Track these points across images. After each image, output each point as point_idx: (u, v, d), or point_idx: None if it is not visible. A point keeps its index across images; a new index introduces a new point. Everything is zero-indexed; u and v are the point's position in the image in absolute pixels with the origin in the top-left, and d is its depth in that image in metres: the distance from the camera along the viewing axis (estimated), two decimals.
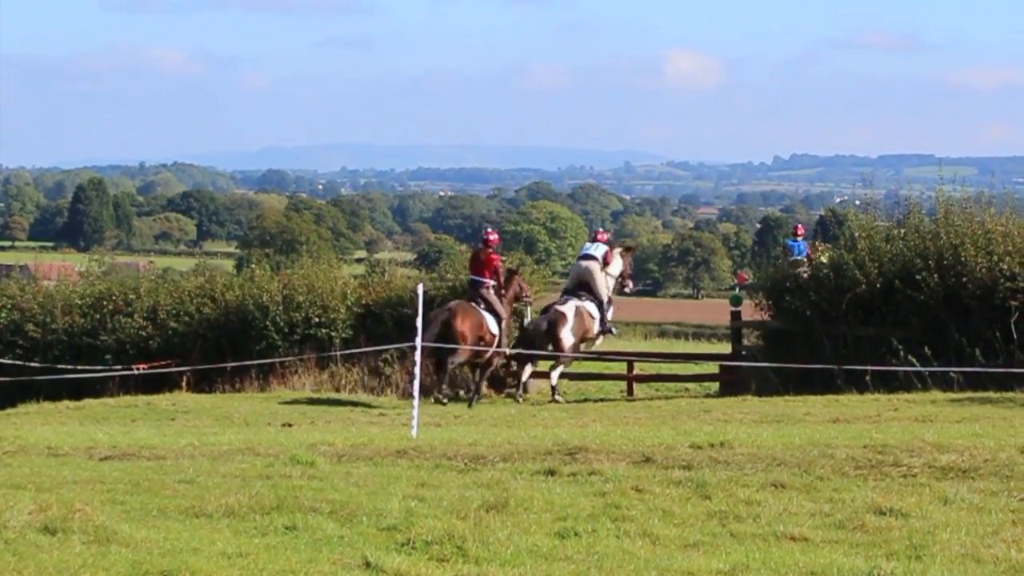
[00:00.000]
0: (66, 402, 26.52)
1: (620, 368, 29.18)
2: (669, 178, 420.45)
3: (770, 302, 27.15)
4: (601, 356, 28.28)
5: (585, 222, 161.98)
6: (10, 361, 28.93)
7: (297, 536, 10.23)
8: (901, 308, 25.03)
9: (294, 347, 28.34)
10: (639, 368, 29.26)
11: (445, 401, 24.79)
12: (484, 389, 26.56)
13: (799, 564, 9.40)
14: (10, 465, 14.02)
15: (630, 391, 28.23)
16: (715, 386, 28.14)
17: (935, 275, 24.71)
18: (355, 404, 25.57)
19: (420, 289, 19.11)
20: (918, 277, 24.78)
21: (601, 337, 27.60)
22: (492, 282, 25.83)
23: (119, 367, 28.43)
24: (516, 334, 27.12)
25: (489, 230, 27.32)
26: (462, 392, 26.65)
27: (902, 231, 26.36)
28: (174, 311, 29.85)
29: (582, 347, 27.29)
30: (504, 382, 27.94)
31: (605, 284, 27.46)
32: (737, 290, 29.41)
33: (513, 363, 27.28)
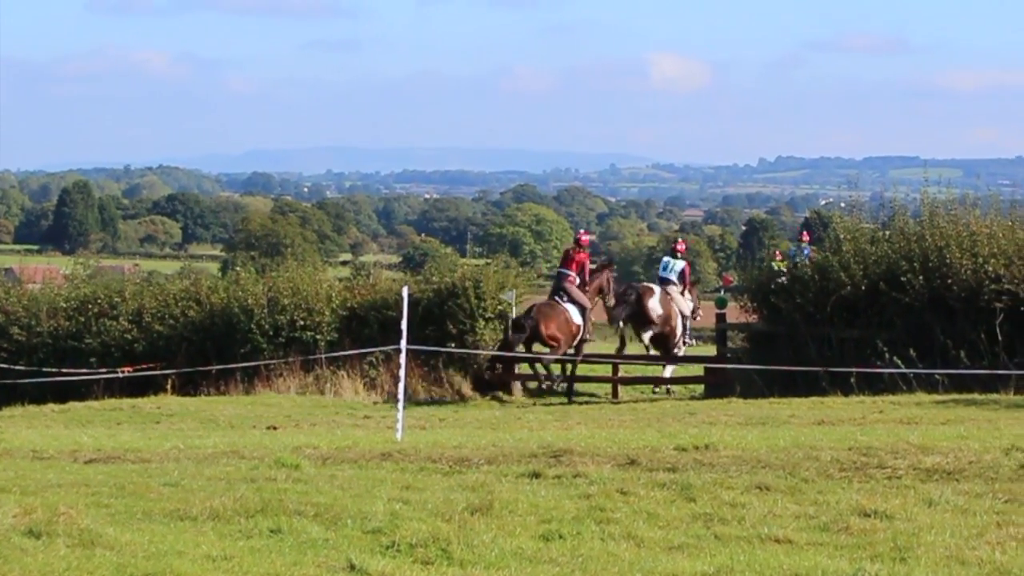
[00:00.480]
0: (51, 405, 26.47)
1: (605, 371, 29.20)
2: (654, 180, 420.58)
3: (755, 304, 27.17)
4: (586, 358, 28.31)
5: (570, 224, 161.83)
6: None
7: (282, 539, 10.22)
8: (886, 310, 25.05)
9: (279, 350, 28.33)
10: (624, 370, 29.28)
11: (559, 389, 27.66)
12: (470, 391, 26.61)
13: (784, 566, 9.40)
14: None
15: (615, 393, 28.25)
16: (700, 388, 28.18)
17: (920, 277, 24.73)
18: (340, 407, 25.55)
19: (405, 292, 19.13)
20: (903, 279, 24.81)
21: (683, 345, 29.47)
22: (575, 275, 27.77)
23: (104, 370, 28.42)
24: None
25: (582, 231, 30.45)
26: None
27: (887, 233, 26.41)
28: (159, 314, 29.82)
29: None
30: (490, 385, 27.96)
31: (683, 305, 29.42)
32: (722, 292, 29.45)
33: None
